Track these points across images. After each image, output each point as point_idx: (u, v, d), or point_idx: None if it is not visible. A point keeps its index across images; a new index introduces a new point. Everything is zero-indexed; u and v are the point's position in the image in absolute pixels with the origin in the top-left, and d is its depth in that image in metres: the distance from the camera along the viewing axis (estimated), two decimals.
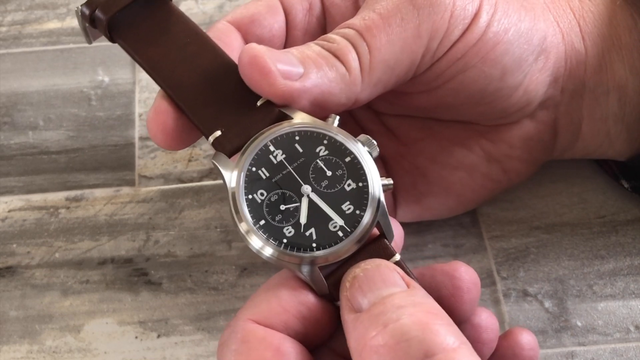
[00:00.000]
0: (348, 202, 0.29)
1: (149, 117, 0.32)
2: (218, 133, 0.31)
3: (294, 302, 0.29)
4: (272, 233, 0.29)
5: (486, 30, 0.33)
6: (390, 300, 0.26)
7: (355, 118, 0.39)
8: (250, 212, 0.29)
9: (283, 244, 0.29)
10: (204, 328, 0.37)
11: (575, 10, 0.36)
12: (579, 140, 0.38)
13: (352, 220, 0.29)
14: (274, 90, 0.30)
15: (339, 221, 0.29)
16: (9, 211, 0.42)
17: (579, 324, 0.37)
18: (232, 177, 0.30)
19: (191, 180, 0.42)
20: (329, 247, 0.29)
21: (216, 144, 0.31)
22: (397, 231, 0.31)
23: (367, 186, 0.29)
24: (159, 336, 0.37)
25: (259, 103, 0.31)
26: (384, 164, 0.39)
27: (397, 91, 0.35)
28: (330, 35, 0.32)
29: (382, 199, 0.29)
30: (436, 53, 0.32)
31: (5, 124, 0.45)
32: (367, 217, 0.29)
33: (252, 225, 0.29)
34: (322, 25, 0.36)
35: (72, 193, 0.42)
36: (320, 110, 0.31)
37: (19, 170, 0.43)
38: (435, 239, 0.40)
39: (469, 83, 0.34)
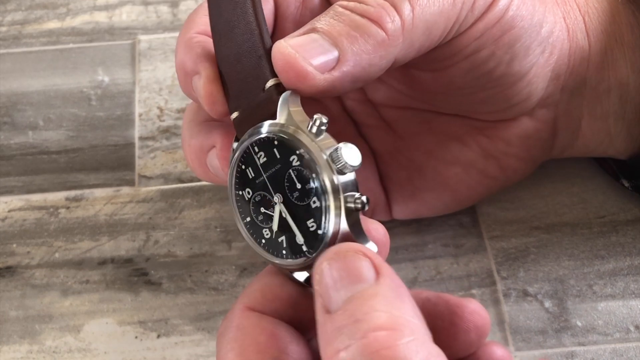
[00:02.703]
0: (312, 220, 0.28)
1: (202, 84, 0.32)
2: (236, 114, 0.31)
3: (286, 290, 0.29)
4: (255, 231, 0.30)
5: (504, 14, 0.33)
6: (352, 309, 0.25)
7: (351, 112, 0.39)
8: (239, 207, 0.30)
9: (262, 244, 0.29)
10: (204, 328, 0.37)
11: (580, 7, 0.37)
12: (579, 139, 0.38)
13: (313, 240, 0.28)
14: (315, 90, 0.29)
15: (299, 239, 0.28)
16: (9, 211, 0.42)
17: (579, 324, 0.37)
18: (230, 168, 0.30)
19: (191, 180, 0.42)
20: (295, 258, 0.28)
21: (235, 124, 0.31)
22: (381, 232, 0.30)
23: (328, 207, 0.28)
24: (159, 336, 0.37)
25: (266, 86, 0.30)
26: (380, 158, 0.39)
27: (408, 69, 0.35)
28: None
29: (343, 225, 0.28)
30: (462, 25, 0.32)
31: (5, 124, 0.45)
32: (326, 240, 0.28)
33: (240, 220, 0.30)
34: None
35: (72, 193, 0.42)
36: (362, 82, 0.30)
37: (19, 170, 0.43)
38: (435, 239, 0.40)
39: (480, 64, 0.33)
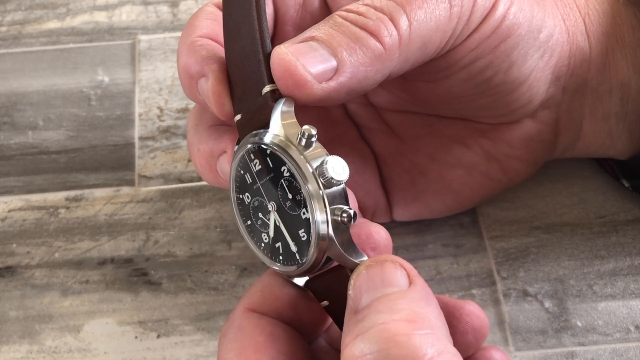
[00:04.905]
0: (303, 230, 0.28)
1: (210, 87, 0.32)
2: (239, 117, 0.30)
3: (286, 290, 0.30)
4: (255, 234, 0.30)
5: (501, 23, 0.33)
6: (376, 304, 0.26)
7: (353, 116, 0.39)
8: (240, 210, 0.30)
9: (261, 248, 0.30)
10: (204, 328, 0.37)
11: (581, 8, 0.37)
12: (580, 140, 0.38)
13: (304, 249, 0.28)
14: (312, 99, 0.29)
15: (292, 247, 0.29)
16: (9, 211, 0.42)
17: (579, 324, 0.37)
18: (231, 171, 0.30)
19: (191, 180, 0.42)
20: (290, 265, 0.29)
21: (238, 127, 0.31)
22: (383, 235, 0.31)
23: (315, 219, 0.28)
24: (158, 336, 0.37)
25: (263, 91, 0.30)
26: (382, 161, 0.39)
27: (405, 80, 0.35)
28: (359, 7, 0.31)
29: (331, 237, 0.28)
30: (458, 38, 0.32)
31: (5, 124, 0.45)
32: (312, 253, 0.28)
33: (242, 223, 0.30)
34: (317, 22, 0.35)
35: (72, 193, 0.42)
36: (355, 94, 0.31)
37: (18, 170, 0.43)
38: (435, 239, 0.40)
39: (477, 73, 0.33)
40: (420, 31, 0.30)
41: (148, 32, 0.49)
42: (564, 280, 0.38)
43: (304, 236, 0.28)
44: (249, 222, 0.30)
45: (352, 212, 0.27)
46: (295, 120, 0.29)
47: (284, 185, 0.28)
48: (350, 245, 0.28)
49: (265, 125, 0.29)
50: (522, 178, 0.39)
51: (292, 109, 0.29)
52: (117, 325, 0.38)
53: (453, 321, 0.29)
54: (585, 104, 0.37)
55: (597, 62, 0.36)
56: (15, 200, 0.42)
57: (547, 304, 0.37)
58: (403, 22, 0.30)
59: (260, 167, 0.29)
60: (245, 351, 0.28)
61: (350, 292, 0.27)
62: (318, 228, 0.27)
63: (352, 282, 0.27)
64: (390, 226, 0.39)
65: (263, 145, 0.29)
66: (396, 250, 0.39)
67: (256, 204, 0.30)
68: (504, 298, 0.38)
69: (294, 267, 0.29)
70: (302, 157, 0.28)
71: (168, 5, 0.50)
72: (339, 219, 0.27)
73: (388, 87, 0.37)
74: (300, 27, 0.34)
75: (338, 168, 0.27)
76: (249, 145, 0.29)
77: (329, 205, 0.27)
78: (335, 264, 0.29)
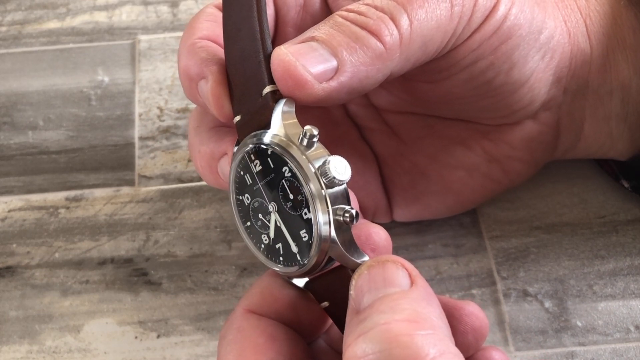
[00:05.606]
0: (304, 230, 0.28)
1: (210, 88, 0.32)
2: (238, 118, 0.30)
3: (285, 292, 0.30)
4: (254, 235, 0.30)
5: (502, 24, 0.33)
6: (378, 304, 0.26)
7: (354, 116, 0.39)
8: (239, 211, 0.30)
9: (261, 249, 0.30)
10: (204, 328, 0.37)
11: (582, 10, 0.36)
12: (581, 141, 0.38)
13: (305, 250, 0.28)
14: (312, 99, 0.29)
15: (293, 248, 0.29)
16: (9, 211, 0.42)
17: (579, 324, 0.37)
18: (230, 172, 0.30)
19: (191, 180, 0.42)
20: (290, 266, 0.29)
21: (237, 128, 0.31)
22: (382, 236, 0.31)
23: (317, 219, 0.28)
24: (158, 336, 0.37)
25: (263, 92, 0.30)
26: (383, 162, 0.39)
27: (406, 80, 0.35)
28: (359, 6, 0.31)
29: (333, 238, 0.28)
30: (459, 38, 0.32)
31: (5, 124, 0.45)
32: (313, 253, 0.28)
33: (241, 224, 0.30)
34: (318, 23, 0.35)
35: (72, 193, 0.42)
36: (356, 94, 0.31)
37: (18, 170, 0.43)
38: (435, 239, 0.40)
39: (478, 74, 0.33)
40: (421, 30, 0.30)
41: (148, 32, 0.49)
42: (564, 280, 0.38)
43: (305, 236, 0.28)
44: (248, 224, 0.30)
45: (354, 212, 0.27)
46: (296, 120, 0.29)
47: (285, 186, 0.28)
48: (352, 246, 0.28)
49: (266, 126, 0.29)
50: (522, 179, 0.39)
51: (293, 109, 0.29)
52: (117, 325, 0.38)
53: (453, 322, 0.29)
54: (586, 105, 0.37)
55: (598, 63, 0.36)
56: (15, 200, 0.42)
57: (547, 304, 0.37)
58: (404, 21, 0.30)
59: (260, 167, 0.29)
60: (245, 353, 0.28)
61: (351, 292, 0.27)
62: (320, 228, 0.27)
63: (353, 282, 0.27)
64: (390, 226, 0.39)
65: (264, 146, 0.28)
66: (396, 251, 0.39)
67: (256, 205, 0.30)
68: (504, 298, 0.38)
69: (295, 268, 0.29)
70: (304, 157, 0.28)
71: (168, 5, 0.50)
72: (341, 219, 0.27)
73: (389, 88, 0.37)
74: (301, 28, 0.34)
75: (340, 168, 0.27)
76: (250, 146, 0.29)
77: (331, 205, 0.27)
78: (336, 264, 0.29)
